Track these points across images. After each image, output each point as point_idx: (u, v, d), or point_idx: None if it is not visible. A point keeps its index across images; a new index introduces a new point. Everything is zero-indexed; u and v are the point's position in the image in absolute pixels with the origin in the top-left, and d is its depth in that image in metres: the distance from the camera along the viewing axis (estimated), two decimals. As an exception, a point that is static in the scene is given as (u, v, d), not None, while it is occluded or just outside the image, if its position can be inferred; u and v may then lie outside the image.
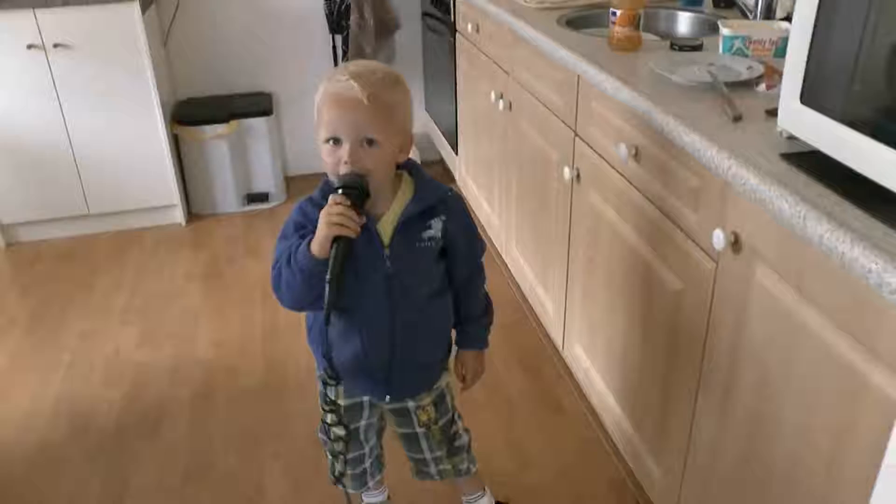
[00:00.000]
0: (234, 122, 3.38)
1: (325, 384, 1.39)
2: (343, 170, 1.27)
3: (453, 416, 1.68)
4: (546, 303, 2.38)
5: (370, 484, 1.74)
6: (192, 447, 2.17)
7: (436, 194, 1.41)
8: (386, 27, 3.45)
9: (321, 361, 1.41)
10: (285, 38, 3.60)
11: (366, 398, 1.58)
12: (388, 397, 1.56)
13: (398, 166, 1.39)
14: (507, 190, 2.64)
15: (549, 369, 2.40)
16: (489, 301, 1.62)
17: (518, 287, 2.73)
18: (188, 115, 3.40)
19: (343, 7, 3.42)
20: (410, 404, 1.59)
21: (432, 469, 1.72)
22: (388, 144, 1.29)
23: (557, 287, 2.24)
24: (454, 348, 1.62)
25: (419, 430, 1.63)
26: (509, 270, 2.82)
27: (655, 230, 1.56)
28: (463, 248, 1.47)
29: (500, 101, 2.51)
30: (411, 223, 1.38)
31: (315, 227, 1.26)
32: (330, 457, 1.65)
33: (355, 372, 1.48)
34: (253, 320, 2.72)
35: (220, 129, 3.36)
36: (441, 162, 3.79)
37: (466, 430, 1.75)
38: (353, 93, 1.25)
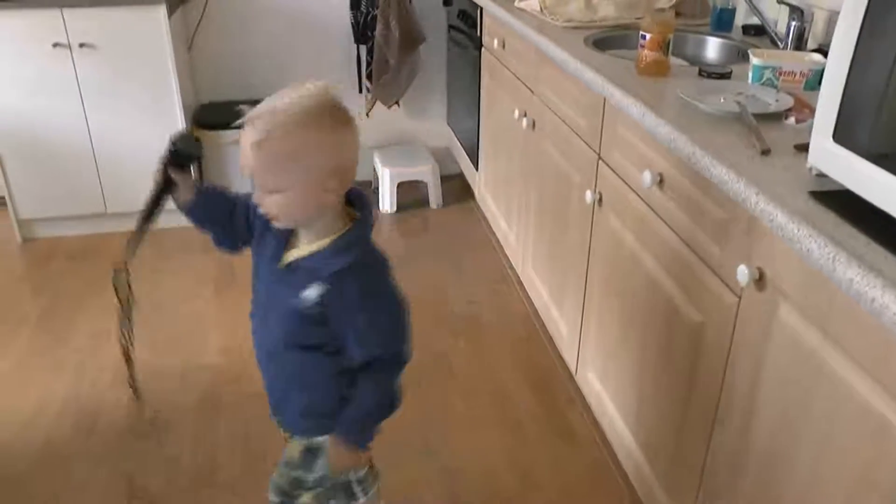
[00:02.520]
0: (252, 130, 3.37)
1: None
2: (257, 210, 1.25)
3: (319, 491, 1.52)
4: (560, 324, 2.35)
5: None
6: (197, 452, 2.15)
7: (336, 261, 1.26)
8: (411, 39, 3.44)
9: None
10: (310, 46, 3.60)
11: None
12: (276, 418, 1.50)
13: (351, 202, 1.30)
14: (526, 208, 2.62)
15: (559, 390, 2.37)
16: (389, 402, 1.39)
17: (532, 305, 2.71)
18: (209, 118, 3.40)
19: (369, 18, 3.42)
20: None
21: None
22: (296, 191, 1.19)
23: (573, 310, 2.21)
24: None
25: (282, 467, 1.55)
26: (524, 289, 2.80)
27: (677, 260, 1.54)
28: (352, 330, 1.30)
29: (524, 120, 2.49)
30: (299, 267, 1.29)
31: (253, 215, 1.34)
32: None
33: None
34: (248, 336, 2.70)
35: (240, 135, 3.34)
36: (461, 176, 3.78)
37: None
38: (245, 139, 1.18)
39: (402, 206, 3.58)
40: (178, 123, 3.20)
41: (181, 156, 1.34)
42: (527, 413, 2.28)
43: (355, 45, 3.54)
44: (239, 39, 3.55)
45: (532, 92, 2.45)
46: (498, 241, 3.16)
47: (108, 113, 3.16)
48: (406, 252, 3.25)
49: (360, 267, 1.27)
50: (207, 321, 2.77)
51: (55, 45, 3.02)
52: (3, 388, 2.41)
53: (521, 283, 2.84)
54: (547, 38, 2.24)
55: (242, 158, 1.19)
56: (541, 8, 2.53)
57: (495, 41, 2.83)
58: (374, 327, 1.32)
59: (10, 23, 2.99)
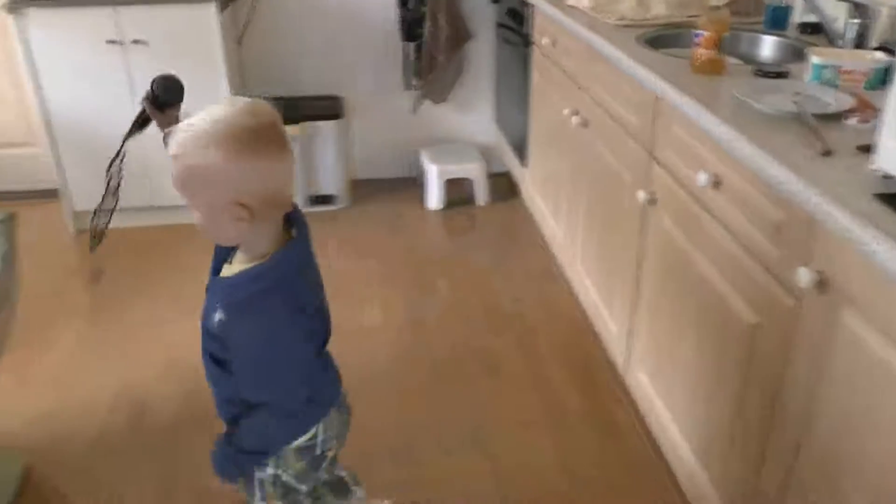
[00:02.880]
0: (303, 124, 3.40)
1: None
2: None
3: None
4: (609, 323, 2.33)
5: None
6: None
7: (238, 293, 1.22)
8: (459, 36, 3.45)
9: None
10: (358, 42, 3.62)
11: None
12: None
13: (290, 223, 1.27)
14: (575, 206, 2.61)
15: (606, 389, 2.35)
16: (263, 449, 1.37)
17: (579, 303, 2.70)
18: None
19: (418, 15, 3.42)
20: None
21: None
22: (205, 213, 1.17)
23: (622, 309, 2.20)
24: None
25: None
26: (571, 287, 2.78)
27: (732, 261, 1.52)
28: (239, 365, 1.27)
29: (574, 118, 2.48)
30: (217, 288, 1.28)
31: None
32: None
33: None
34: (311, 323, 2.73)
35: (288, 130, 3.36)
36: (507, 174, 3.77)
37: None
38: (172, 154, 1.16)
39: (448, 204, 3.58)
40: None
41: (158, 99, 1.48)
42: (573, 410, 2.27)
43: (403, 43, 3.55)
44: (288, 36, 3.58)
45: (583, 90, 2.44)
46: (545, 238, 3.14)
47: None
48: (453, 249, 3.26)
49: (259, 303, 1.21)
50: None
51: (109, 41, 3.08)
52: (56, 379, 2.45)
53: (568, 281, 2.83)
54: (599, 36, 2.22)
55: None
56: (592, 6, 2.52)
57: (545, 39, 2.82)
58: (260, 371, 1.27)
59: (66, 20, 3.06)
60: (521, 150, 3.35)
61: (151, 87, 1.45)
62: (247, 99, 1.18)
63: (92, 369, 2.51)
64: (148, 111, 1.48)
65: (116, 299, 2.90)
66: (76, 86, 3.13)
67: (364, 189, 3.76)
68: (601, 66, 2.24)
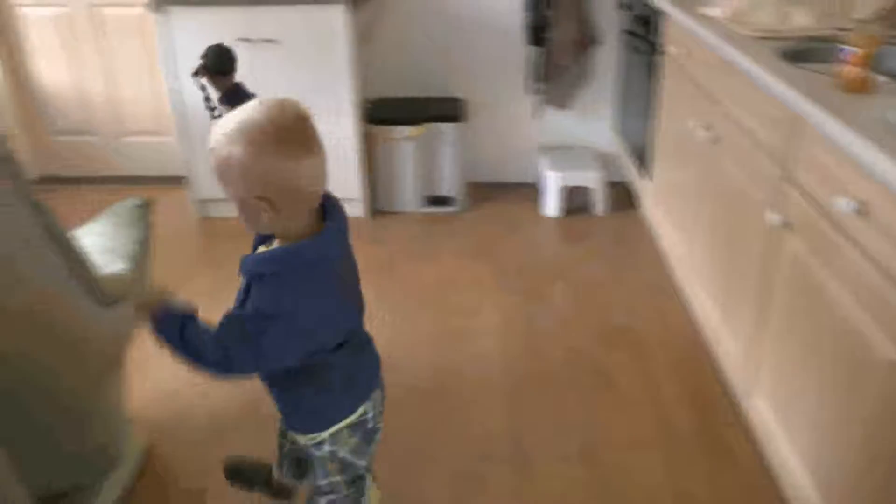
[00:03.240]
0: (423, 125, 3.43)
1: None
2: None
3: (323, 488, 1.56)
4: (728, 346, 2.25)
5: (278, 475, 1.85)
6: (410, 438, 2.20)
7: (259, 266, 1.34)
8: (585, 42, 3.40)
9: None
10: (482, 45, 3.62)
11: None
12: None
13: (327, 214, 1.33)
14: (698, 222, 2.53)
15: (721, 412, 2.26)
16: (193, 356, 1.40)
17: (695, 322, 2.61)
18: (379, 114, 3.48)
19: (544, 20, 3.39)
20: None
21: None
22: (237, 204, 1.27)
23: (743, 332, 2.11)
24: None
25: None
26: (688, 304, 2.70)
27: (875, 294, 1.43)
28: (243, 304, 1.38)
29: (704, 132, 2.40)
30: (244, 267, 1.36)
31: None
32: None
33: None
34: (422, 323, 2.75)
35: (409, 130, 3.42)
36: (625, 184, 3.70)
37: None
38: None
39: (565, 211, 3.54)
40: (350, 117, 3.30)
41: (209, 69, 1.65)
42: (686, 431, 2.20)
43: (528, 47, 3.53)
44: (412, 37, 3.61)
45: (714, 103, 2.35)
46: (662, 252, 3.07)
47: (285, 105, 3.29)
48: (568, 258, 3.22)
49: (271, 282, 1.30)
50: (369, 311, 2.81)
51: (241, 39, 3.18)
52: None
53: (684, 298, 2.75)
54: (735, 48, 2.14)
55: None
56: (728, 15, 2.43)
57: (676, 48, 2.74)
58: (228, 320, 1.36)
59: (200, 18, 3.19)
60: (642, 160, 3.27)
61: (202, 60, 1.64)
62: (278, 99, 1.26)
63: None
64: (203, 77, 1.65)
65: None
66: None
67: (481, 192, 3.76)
68: (736, 79, 2.16)
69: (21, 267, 1.41)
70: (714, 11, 2.52)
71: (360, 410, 1.49)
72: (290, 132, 1.23)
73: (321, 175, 1.28)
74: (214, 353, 1.33)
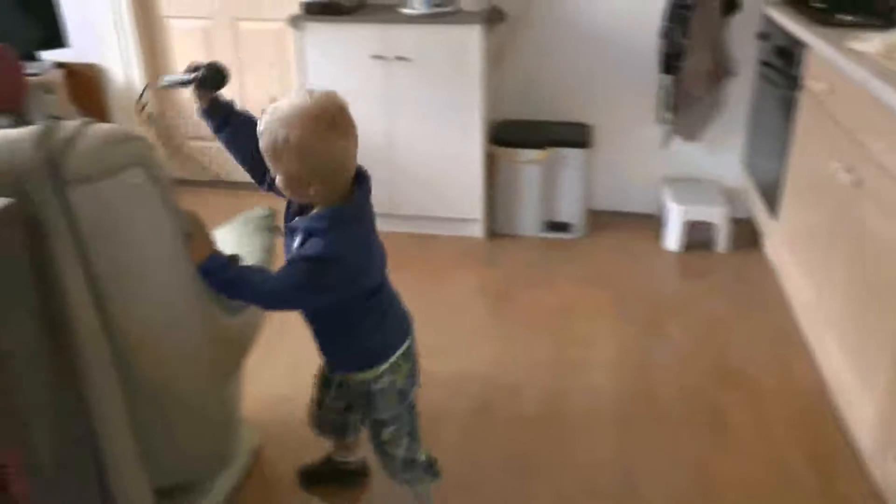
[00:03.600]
0: (548, 150, 3.40)
1: None
2: None
3: (387, 428, 1.81)
4: (859, 405, 2.11)
5: (346, 440, 2.04)
6: (460, 459, 2.18)
7: (314, 221, 1.54)
8: (720, 73, 3.29)
9: None
10: (614, 71, 3.57)
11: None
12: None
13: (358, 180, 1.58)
14: (831, 270, 2.39)
15: (846, 475, 2.12)
16: (251, 295, 1.62)
17: (820, 374, 2.48)
18: (505, 136, 3.48)
19: (680, 48, 3.31)
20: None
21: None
22: (283, 179, 1.50)
23: (882, 395, 1.97)
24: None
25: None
26: (813, 354, 2.56)
27: None
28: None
29: (843, 174, 2.27)
30: (293, 228, 1.59)
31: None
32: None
33: None
34: (538, 348, 2.71)
35: (534, 154, 3.40)
36: (750, 221, 3.56)
37: (411, 451, 1.86)
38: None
39: (686, 246, 3.43)
40: (476, 138, 3.31)
41: (205, 84, 1.68)
42: (804, 490, 2.07)
43: (660, 75, 3.45)
44: (544, 60, 3.59)
45: (858, 145, 2.23)
46: (787, 297, 2.92)
47: (411, 121, 3.34)
48: (687, 294, 3.12)
49: (320, 235, 1.52)
50: (483, 333, 2.82)
51: (374, 56, 3.25)
52: (296, 365, 2.57)
53: (809, 348, 2.61)
54: (889, 87, 2.02)
55: None
56: (882, 51, 2.30)
57: (819, 83, 2.61)
58: (294, 263, 1.55)
59: (338, 35, 3.27)
60: (770, 198, 3.14)
61: (204, 69, 1.67)
62: (321, 91, 1.50)
63: (280, 364, 2.60)
64: (194, 87, 1.69)
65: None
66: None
67: (601, 220, 3.69)
68: (887, 120, 2.04)
69: (162, 274, 1.47)
70: (865, 46, 2.39)
71: (407, 341, 1.77)
72: (336, 119, 1.48)
73: (356, 154, 1.55)
74: (274, 288, 1.56)
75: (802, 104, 2.82)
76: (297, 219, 1.59)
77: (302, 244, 1.55)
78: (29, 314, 1.27)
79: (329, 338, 1.74)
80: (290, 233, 1.61)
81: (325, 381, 1.95)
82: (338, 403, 1.94)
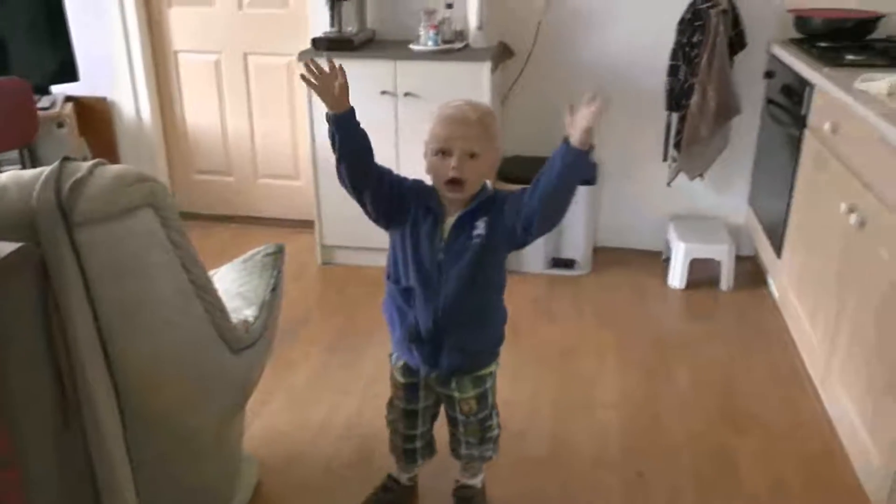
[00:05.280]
0: (554, 186, 3.40)
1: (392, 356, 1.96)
2: (451, 175, 1.66)
3: (491, 412, 1.96)
4: (871, 454, 2.08)
5: (419, 463, 2.07)
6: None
7: (485, 199, 1.73)
8: (727, 111, 3.30)
9: (394, 332, 1.88)
10: (620, 108, 3.57)
11: (421, 379, 1.90)
12: (433, 371, 1.85)
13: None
14: (840, 314, 2.37)
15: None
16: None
17: (829, 418, 2.45)
18: (512, 172, 3.47)
19: (686, 85, 3.33)
20: (456, 395, 1.88)
21: (462, 450, 2.00)
22: (486, 158, 1.69)
23: (893, 446, 1.95)
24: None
25: (460, 417, 1.93)
26: (821, 397, 2.53)
27: None
28: (517, 200, 1.69)
29: (851, 216, 2.27)
30: (463, 222, 1.72)
31: (408, 198, 1.79)
32: (389, 430, 2.06)
33: (410, 343, 1.83)
34: (543, 386, 2.70)
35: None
36: (753, 259, 3.56)
37: (499, 426, 2.02)
38: (466, 114, 1.67)
39: (691, 283, 3.42)
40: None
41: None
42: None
43: (667, 112, 3.47)
44: (550, 97, 3.60)
45: (866, 186, 2.23)
46: (793, 338, 2.90)
47: (418, 156, 3.33)
48: (692, 333, 3.10)
49: (488, 208, 1.73)
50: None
51: (383, 92, 3.27)
52: (295, 402, 2.59)
53: (817, 391, 2.58)
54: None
55: (453, 130, 1.67)
56: (889, 92, 2.31)
57: (825, 123, 2.62)
58: (518, 194, 1.71)
59: (347, 70, 3.25)
60: (775, 237, 3.13)
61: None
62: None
63: (327, 396, 2.62)
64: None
65: (358, 331, 3.03)
66: (347, 129, 3.35)
67: (606, 257, 3.69)
68: (892, 160, 2.04)
69: (169, 312, 1.47)
70: (871, 86, 2.39)
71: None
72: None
73: None
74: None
75: (808, 143, 2.83)
76: (471, 207, 1.73)
77: (486, 224, 1.71)
78: (36, 355, 1.27)
79: (481, 324, 1.84)
80: (458, 230, 1.73)
81: (407, 414, 1.99)
82: (428, 424, 2.03)
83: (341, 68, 1.70)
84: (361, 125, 1.77)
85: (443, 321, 1.77)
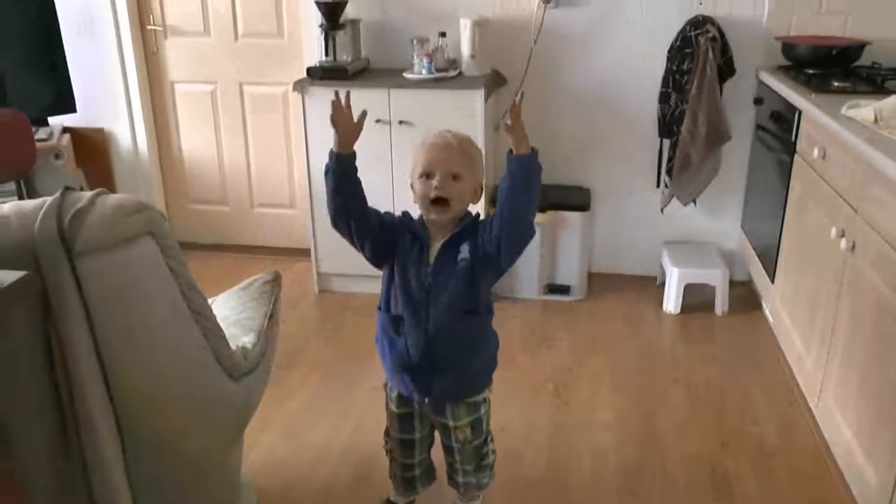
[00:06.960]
0: (549, 213, 3.44)
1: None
2: (434, 194, 1.74)
3: (486, 438, 2.00)
4: (867, 474, 2.09)
5: (419, 491, 2.12)
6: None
7: (467, 225, 1.79)
8: (717, 137, 3.35)
9: (386, 362, 1.91)
10: (612, 135, 3.63)
11: (416, 408, 1.94)
12: (426, 398, 1.89)
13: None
14: (832, 335, 2.39)
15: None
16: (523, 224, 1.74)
17: (824, 439, 2.46)
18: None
19: (677, 112, 3.38)
20: (451, 423, 1.91)
21: (459, 478, 2.03)
22: (468, 182, 1.77)
23: (890, 464, 1.96)
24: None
25: (456, 444, 1.96)
26: (816, 419, 2.55)
27: None
28: (489, 226, 1.73)
29: (842, 240, 2.30)
30: (448, 247, 1.78)
31: (397, 231, 1.86)
32: (389, 459, 2.10)
33: (402, 371, 1.86)
34: (539, 412, 2.71)
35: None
36: (747, 283, 3.58)
37: (494, 452, 2.07)
38: (447, 140, 1.77)
39: (685, 308, 3.44)
40: (482, 201, 3.34)
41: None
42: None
43: (659, 139, 3.51)
44: (544, 124, 3.64)
45: (855, 211, 2.26)
46: (787, 361, 2.92)
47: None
48: (687, 357, 3.11)
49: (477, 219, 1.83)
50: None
51: (377, 120, 3.30)
52: (292, 428, 2.60)
53: (812, 413, 2.59)
54: (882, 154, 2.05)
55: (436, 154, 1.77)
56: (875, 118, 2.35)
57: (814, 149, 2.66)
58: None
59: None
60: (768, 261, 3.16)
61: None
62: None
63: (325, 422, 2.63)
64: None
65: (355, 358, 3.04)
66: (341, 157, 3.38)
67: (600, 282, 3.72)
68: (880, 187, 2.07)
69: (168, 338, 1.49)
70: (857, 112, 2.44)
71: None
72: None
73: None
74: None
75: (798, 168, 2.87)
76: (456, 231, 1.79)
77: (470, 246, 1.77)
78: (38, 381, 1.29)
79: (472, 348, 1.88)
80: (444, 258, 1.79)
81: (404, 443, 2.01)
82: (425, 453, 2.06)
83: (364, 113, 1.80)
84: (357, 154, 1.86)
85: (433, 346, 1.81)
